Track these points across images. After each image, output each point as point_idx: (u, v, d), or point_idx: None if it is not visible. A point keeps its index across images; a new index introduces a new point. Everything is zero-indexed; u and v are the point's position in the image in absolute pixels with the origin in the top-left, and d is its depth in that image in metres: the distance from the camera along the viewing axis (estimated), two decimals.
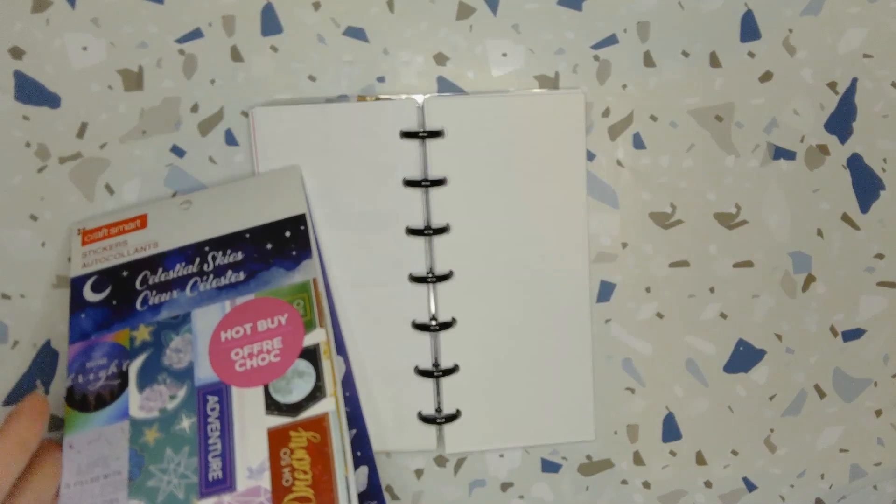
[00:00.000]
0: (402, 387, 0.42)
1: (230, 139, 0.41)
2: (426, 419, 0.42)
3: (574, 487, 0.44)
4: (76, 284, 0.38)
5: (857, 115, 0.42)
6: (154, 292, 0.38)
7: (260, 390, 0.35)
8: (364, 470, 0.40)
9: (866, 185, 0.43)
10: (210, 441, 0.35)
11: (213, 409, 0.35)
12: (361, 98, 0.41)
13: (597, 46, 0.41)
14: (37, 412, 0.33)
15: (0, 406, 0.41)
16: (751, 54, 0.42)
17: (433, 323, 0.41)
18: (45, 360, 0.42)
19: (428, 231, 0.41)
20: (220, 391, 0.35)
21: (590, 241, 0.42)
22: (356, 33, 0.41)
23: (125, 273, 0.38)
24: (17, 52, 0.40)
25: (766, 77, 0.42)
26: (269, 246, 0.38)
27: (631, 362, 0.43)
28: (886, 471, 0.45)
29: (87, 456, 0.35)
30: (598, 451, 0.44)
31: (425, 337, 0.42)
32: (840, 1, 0.41)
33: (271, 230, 0.39)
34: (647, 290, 0.43)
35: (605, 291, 0.43)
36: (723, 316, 0.43)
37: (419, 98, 0.40)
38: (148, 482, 0.34)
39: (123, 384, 0.36)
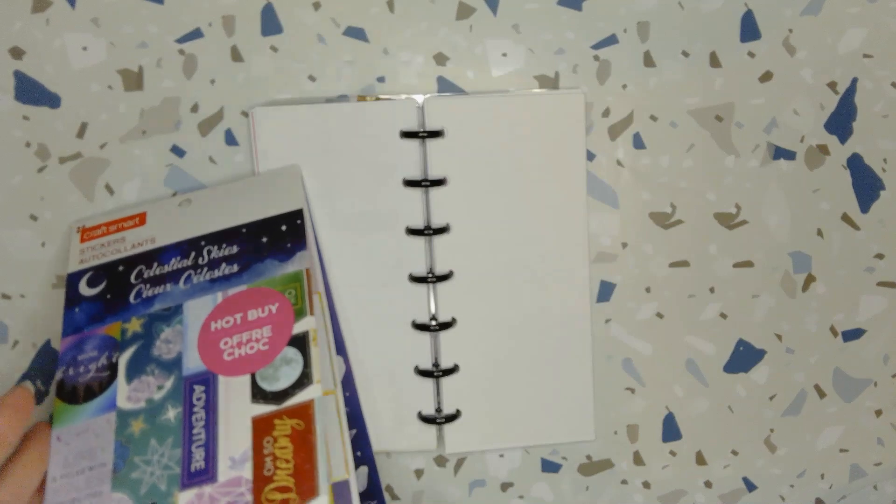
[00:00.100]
0: (402, 387, 0.42)
1: (230, 139, 0.41)
2: (426, 419, 0.42)
3: (574, 487, 0.44)
4: (72, 280, 0.38)
5: (857, 115, 0.42)
6: (148, 286, 0.38)
7: (247, 379, 0.35)
8: (364, 470, 0.40)
9: (866, 185, 0.43)
10: (194, 431, 0.34)
11: (199, 399, 0.34)
12: (361, 98, 0.41)
13: (597, 46, 0.41)
14: (18, 407, 0.32)
15: None
16: (751, 54, 0.42)
17: (433, 323, 0.41)
18: (45, 360, 0.41)
19: (428, 231, 0.41)
20: (208, 380, 0.35)
21: (590, 241, 0.42)
22: (356, 33, 0.41)
23: (121, 268, 0.38)
24: (17, 52, 0.40)
25: (766, 77, 0.42)
26: (264, 239, 0.38)
27: (631, 362, 0.43)
28: (886, 471, 0.45)
29: (74, 448, 0.34)
30: (598, 451, 0.44)
31: (425, 337, 0.42)
32: (840, 1, 0.41)
33: (268, 225, 0.38)
34: (647, 290, 0.43)
35: (605, 291, 0.43)
36: (723, 316, 0.43)
37: (419, 98, 0.40)
38: (132, 474, 0.33)
39: (113, 376, 0.35)
